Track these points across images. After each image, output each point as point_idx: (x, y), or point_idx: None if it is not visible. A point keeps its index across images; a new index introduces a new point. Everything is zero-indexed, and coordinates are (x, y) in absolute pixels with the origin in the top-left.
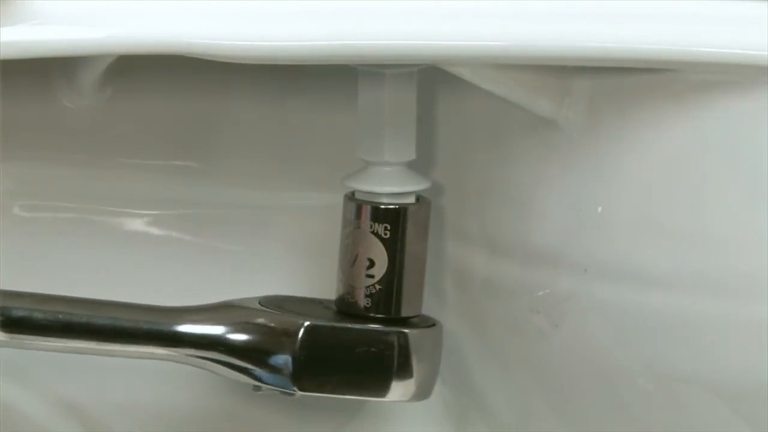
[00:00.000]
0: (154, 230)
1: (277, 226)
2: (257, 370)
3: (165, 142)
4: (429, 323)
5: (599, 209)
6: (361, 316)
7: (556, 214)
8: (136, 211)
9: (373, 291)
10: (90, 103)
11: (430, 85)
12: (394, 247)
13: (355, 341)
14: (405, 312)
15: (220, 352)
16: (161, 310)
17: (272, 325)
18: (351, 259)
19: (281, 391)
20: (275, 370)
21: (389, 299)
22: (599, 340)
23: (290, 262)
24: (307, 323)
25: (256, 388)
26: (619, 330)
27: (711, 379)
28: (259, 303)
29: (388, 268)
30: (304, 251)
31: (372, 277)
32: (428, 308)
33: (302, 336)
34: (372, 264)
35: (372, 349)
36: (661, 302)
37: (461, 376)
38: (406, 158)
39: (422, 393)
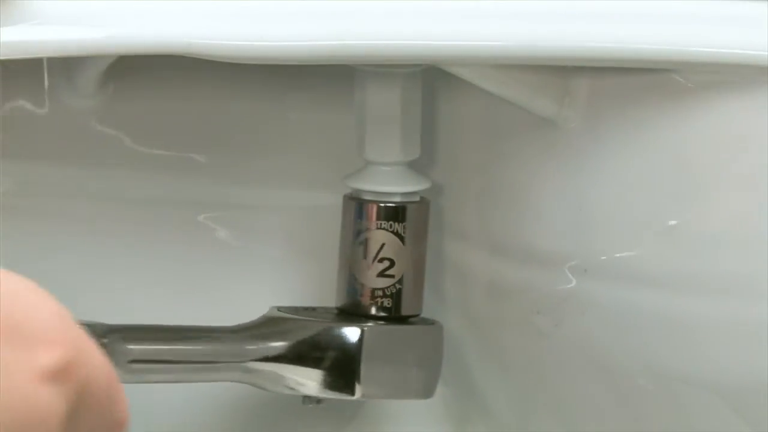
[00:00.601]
0: (154, 230)
1: (276, 225)
2: (324, 379)
3: (165, 142)
4: (428, 323)
5: (599, 209)
6: (364, 316)
7: (556, 214)
8: (136, 211)
9: (393, 291)
10: (90, 103)
11: (430, 85)
12: (394, 245)
13: (410, 340)
14: (405, 311)
15: (293, 363)
16: (226, 331)
17: (329, 333)
18: (370, 259)
19: (339, 399)
20: (341, 376)
21: (390, 298)
22: (599, 340)
23: (289, 261)
24: (366, 326)
25: (307, 401)
26: (619, 330)
27: (711, 379)
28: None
29: (404, 267)
30: (303, 251)
31: (392, 277)
32: (428, 308)
33: (365, 339)
34: (392, 264)
35: (421, 348)
36: (661, 302)
37: (461, 376)
38: (409, 158)
39: (425, 391)
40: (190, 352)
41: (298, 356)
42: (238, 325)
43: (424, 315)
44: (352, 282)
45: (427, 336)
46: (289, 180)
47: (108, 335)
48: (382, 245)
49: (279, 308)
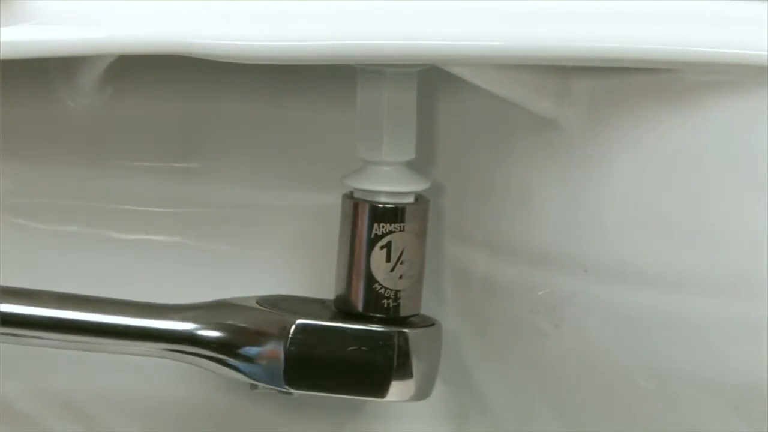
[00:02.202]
0: (154, 229)
1: (276, 225)
2: (250, 369)
3: (164, 141)
4: (428, 323)
5: (599, 209)
6: (361, 316)
7: (556, 214)
8: (136, 211)
9: (410, 293)
10: (90, 103)
11: (430, 84)
12: (392, 245)
13: (348, 341)
14: (404, 311)
15: (211, 349)
16: (151, 307)
17: (263, 323)
18: (393, 262)
19: (278, 390)
20: (267, 368)
21: (388, 298)
22: (599, 340)
23: (288, 261)
24: (298, 322)
25: (254, 387)
26: (619, 330)
27: (711, 379)
28: (257, 302)
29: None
30: (303, 251)
31: (411, 277)
32: (428, 308)
33: (293, 334)
34: (412, 264)
35: (365, 349)
36: (661, 302)
37: (461, 376)
38: (406, 158)
39: (422, 393)
40: (70, 322)
41: (204, 342)
42: (183, 304)
43: (423, 316)
44: (368, 285)
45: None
46: (288, 180)
47: None
48: (404, 248)
49: (259, 298)
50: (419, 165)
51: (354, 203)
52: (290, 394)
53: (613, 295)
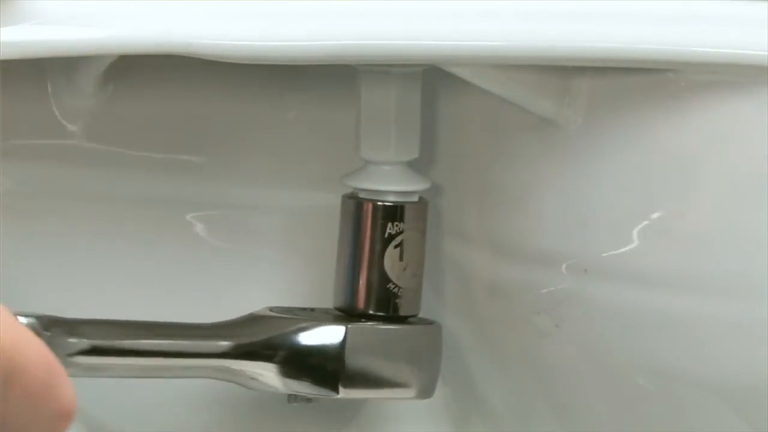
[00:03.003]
0: (154, 229)
1: (276, 225)
2: (303, 378)
3: (165, 141)
4: (427, 321)
5: (600, 209)
6: (362, 315)
7: (556, 214)
8: (135, 211)
9: (414, 292)
10: (90, 103)
11: (431, 84)
12: (392, 245)
13: (396, 340)
14: (404, 311)
15: (274, 362)
16: (203, 328)
17: (316, 331)
18: (406, 261)
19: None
20: (322, 375)
21: (388, 298)
22: (599, 340)
23: (288, 261)
24: (349, 326)
25: (292, 399)
26: (619, 330)
27: (711, 379)
28: (270, 310)
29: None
30: (303, 251)
31: (418, 276)
32: (428, 308)
33: (349, 339)
34: (419, 263)
35: (409, 347)
36: (660, 302)
37: (461, 376)
38: (411, 157)
39: (425, 391)
40: (142, 347)
41: (270, 354)
42: (216, 323)
43: (424, 315)
44: (381, 284)
45: (425, 335)
46: (288, 180)
47: (51, 328)
48: (413, 246)
49: (271, 308)
50: (419, 165)
51: (360, 203)
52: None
53: (613, 295)
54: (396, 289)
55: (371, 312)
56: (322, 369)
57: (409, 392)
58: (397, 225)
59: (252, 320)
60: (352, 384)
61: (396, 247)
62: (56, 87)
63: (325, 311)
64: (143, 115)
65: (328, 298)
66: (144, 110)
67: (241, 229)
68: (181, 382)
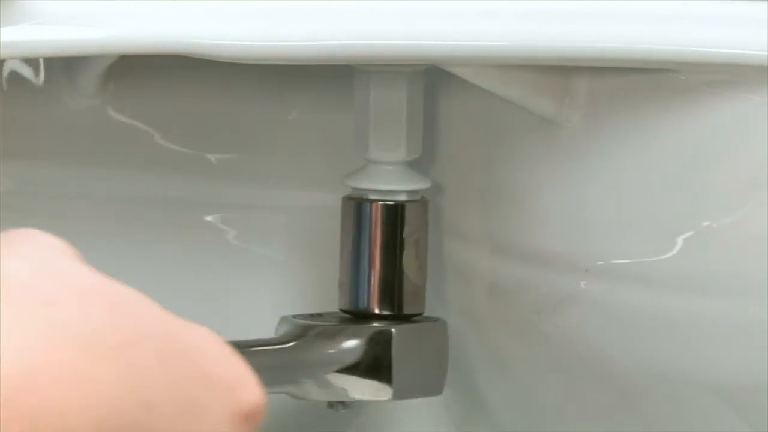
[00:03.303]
0: (154, 230)
1: (276, 225)
2: (359, 384)
3: (165, 141)
4: (432, 320)
5: (600, 209)
6: (367, 315)
7: (556, 214)
8: (136, 211)
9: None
10: (90, 103)
11: (431, 84)
12: (394, 244)
13: (428, 338)
14: (408, 310)
15: (345, 372)
16: (266, 343)
17: (367, 336)
18: (422, 259)
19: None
20: (377, 378)
21: (392, 297)
22: (599, 340)
23: (289, 261)
24: (394, 329)
25: (331, 406)
26: (619, 330)
27: (711, 379)
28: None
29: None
30: (303, 251)
31: (426, 274)
32: (429, 308)
33: (395, 341)
34: (426, 261)
35: (436, 345)
36: (661, 302)
37: (461, 376)
38: (408, 157)
39: (433, 388)
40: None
41: (357, 364)
42: (269, 339)
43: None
44: (392, 284)
45: (440, 332)
46: (289, 180)
47: None
48: (421, 246)
49: (294, 316)
50: (419, 164)
51: (355, 203)
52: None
53: (614, 295)
54: (411, 287)
55: (377, 312)
56: (377, 372)
57: (428, 390)
58: (413, 224)
59: (303, 330)
60: (399, 386)
61: (407, 247)
62: (56, 87)
63: (332, 315)
64: (143, 116)
65: (328, 298)
66: (144, 110)
67: (243, 229)
68: None
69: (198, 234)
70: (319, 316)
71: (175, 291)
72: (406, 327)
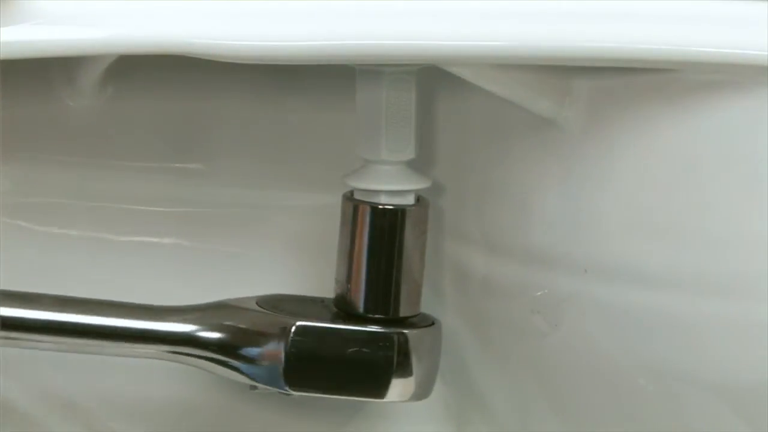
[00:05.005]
0: (154, 230)
1: (276, 225)
2: (250, 370)
3: (165, 141)
4: (428, 322)
5: (599, 209)
6: (361, 317)
7: (555, 214)
8: (136, 211)
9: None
10: (90, 103)
11: (430, 85)
12: (393, 246)
13: (347, 342)
14: (404, 312)
15: (211, 350)
16: (151, 309)
17: (264, 324)
18: (425, 260)
19: (278, 391)
20: (268, 369)
21: (388, 299)
22: (599, 340)
23: (289, 261)
24: (298, 323)
25: (253, 388)
26: (619, 330)
27: (711, 379)
28: (257, 303)
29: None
30: (303, 251)
31: (421, 277)
32: (428, 308)
33: (294, 335)
34: (423, 265)
35: (365, 350)
36: (661, 302)
37: (461, 376)
38: (407, 157)
39: (422, 393)
40: (69, 325)
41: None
42: (183, 306)
43: (424, 315)
44: (407, 284)
45: (434, 337)
46: (289, 180)
47: None
48: (420, 247)
49: (275, 295)
50: (419, 165)
51: (354, 203)
52: (289, 395)
53: (613, 295)
54: (403, 290)
55: (371, 315)
56: (266, 362)
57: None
58: (418, 226)
59: (215, 307)
60: (299, 382)
61: (406, 248)
62: (56, 87)
63: (324, 305)
64: (143, 115)
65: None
66: (144, 110)
67: (242, 229)
68: (179, 375)
69: (197, 233)
70: (321, 301)
71: (175, 291)
72: (401, 333)
